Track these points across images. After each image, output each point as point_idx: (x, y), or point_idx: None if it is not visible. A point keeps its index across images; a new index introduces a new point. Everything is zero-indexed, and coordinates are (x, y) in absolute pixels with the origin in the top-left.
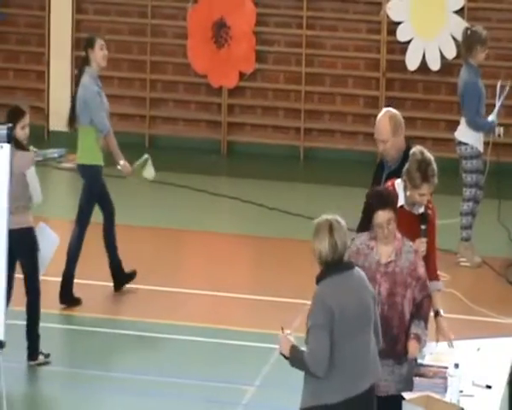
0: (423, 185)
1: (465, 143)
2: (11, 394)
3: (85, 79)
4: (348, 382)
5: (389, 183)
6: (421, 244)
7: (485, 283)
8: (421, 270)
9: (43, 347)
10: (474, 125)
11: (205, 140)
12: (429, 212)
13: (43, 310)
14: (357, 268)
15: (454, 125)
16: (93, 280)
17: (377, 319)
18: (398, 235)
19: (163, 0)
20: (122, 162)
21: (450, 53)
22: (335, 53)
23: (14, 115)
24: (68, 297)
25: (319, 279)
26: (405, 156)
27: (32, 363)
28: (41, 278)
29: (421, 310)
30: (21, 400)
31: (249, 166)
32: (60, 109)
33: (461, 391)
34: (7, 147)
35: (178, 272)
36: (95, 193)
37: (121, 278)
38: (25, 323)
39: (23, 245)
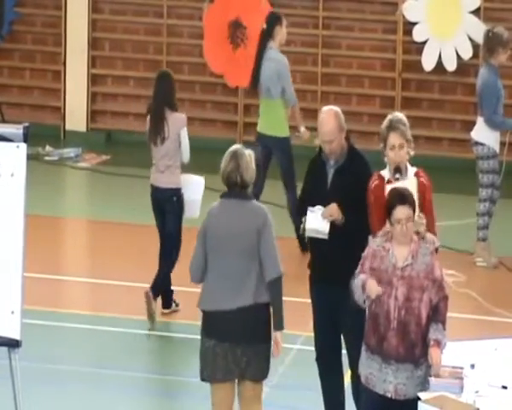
0: (390, 134)
1: (481, 144)
2: (26, 394)
3: (272, 53)
4: (217, 295)
5: (375, 175)
6: (418, 219)
7: (502, 283)
8: (438, 272)
9: None
10: (492, 124)
11: (221, 140)
12: (422, 180)
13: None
14: (254, 202)
15: (470, 125)
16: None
17: (265, 252)
18: (415, 237)
19: (179, 0)
20: (303, 129)
21: (467, 53)
22: (351, 53)
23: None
24: None
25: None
26: (350, 149)
27: (166, 311)
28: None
29: (438, 312)
30: (36, 399)
31: None
32: (76, 109)
33: (476, 392)
34: (23, 146)
35: None
36: (291, 159)
37: None
38: (41, 322)
39: (169, 204)
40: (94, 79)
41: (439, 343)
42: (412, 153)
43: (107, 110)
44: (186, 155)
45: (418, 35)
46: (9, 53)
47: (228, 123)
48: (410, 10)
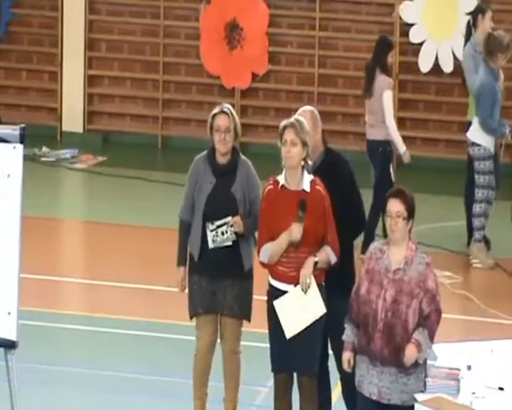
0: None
1: (477, 145)
2: (23, 395)
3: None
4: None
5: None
6: (296, 229)
7: (498, 284)
8: (432, 284)
9: None
10: (486, 127)
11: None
12: (318, 188)
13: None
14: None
15: (467, 126)
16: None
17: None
18: (413, 245)
19: (176, 1)
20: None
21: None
22: (348, 54)
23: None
24: None
25: None
26: (327, 150)
27: None
28: None
29: (427, 321)
30: (32, 401)
31: (263, 167)
32: (73, 110)
33: (473, 393)
34: (20, 147)
35: None
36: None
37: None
38: (35, 323)
39: (376, 155)
40: (90, 80)
41: (418, 344)
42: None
43: (103, 111)
44: (386, 116)
45: (415, 36)
46: (6, 54)
47: None
48: (406, 12)
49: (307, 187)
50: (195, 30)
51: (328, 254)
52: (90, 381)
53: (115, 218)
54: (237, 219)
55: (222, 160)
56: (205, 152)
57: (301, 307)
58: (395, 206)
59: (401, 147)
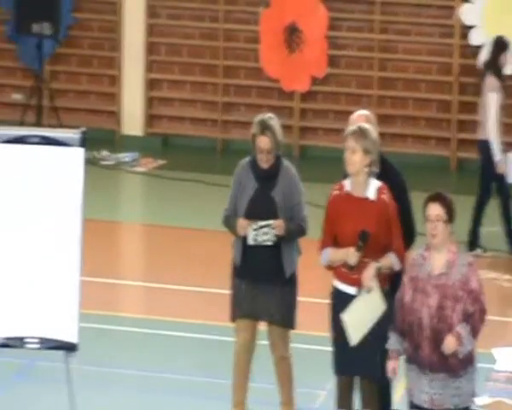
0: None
1: None
2: (82, 397)
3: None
4: None
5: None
6: (353, 256)
7: None
8: (475, 284)
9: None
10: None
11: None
12: (383, 197)
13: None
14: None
15: None
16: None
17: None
18: (454, 248)
19: (235, 5)
20: None
21: None
22: (408, 57)
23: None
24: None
25: None
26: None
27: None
28: None
29: (471, 318)
30: (92, 403)
31: (322, 170)
32: (133, 113)
33: None
34: (80, 151)
35: None
36: None
37: None
38: (96, 326)
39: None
40: (150, 84)
41: (459, 336)
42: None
43: (163, 115)
44: (487, 118)
45: (475, 39)
46: (66, 58)
47: (284, 127)
48: (466, 14)
49: (372, 194)
50: (255, 33)
51: (391, 261)
52: (148, 383)
53: (175, 221)
54: (280, 222)
55: (264, 165)
56: (248, 157)
57: (364, 312)
58: (434, 209)
59: (497, 154)
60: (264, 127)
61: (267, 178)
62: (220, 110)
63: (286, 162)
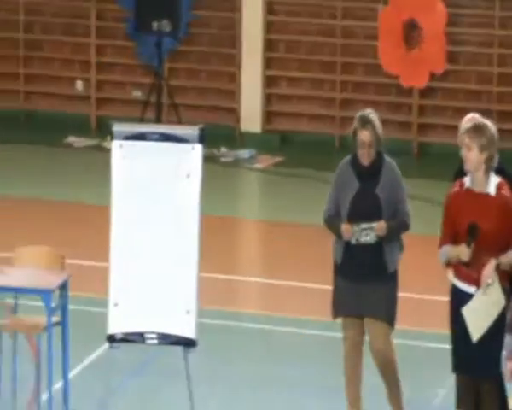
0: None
1: None
2: (201, 393)
3: None
4: None
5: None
6: (465, 252)
7: None
8: None
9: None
10: None
11: (395, 141)
12: (503, 193)
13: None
14: None
15: None
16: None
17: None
18: None
19: (354, 1)
20: None
21: None
22: None
23: None
24: None
25: None
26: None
27: None
28: None
29: None
30: (210, 399)
31: (441, 167)
32: (251, 110)
33: None
34: (199, 148)
35: None
36: None
37: None
38: (214, 322)
39: None
40: (269, 81)
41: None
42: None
43: (281, 111)
44: None
45: None
46: (186, 55)
47: (402, 124)
48: None
49: (492, 190)
50: (373, 30)
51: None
52: (264, 380)
53: (292, 218)
54: (382, 224)
55: (366, 162)
56: (349, 156)
57: (485, 309)
58: None
59: None
60: (365, 121)
61: (369, 175)
62: (338, 107)
63: (387, 158)
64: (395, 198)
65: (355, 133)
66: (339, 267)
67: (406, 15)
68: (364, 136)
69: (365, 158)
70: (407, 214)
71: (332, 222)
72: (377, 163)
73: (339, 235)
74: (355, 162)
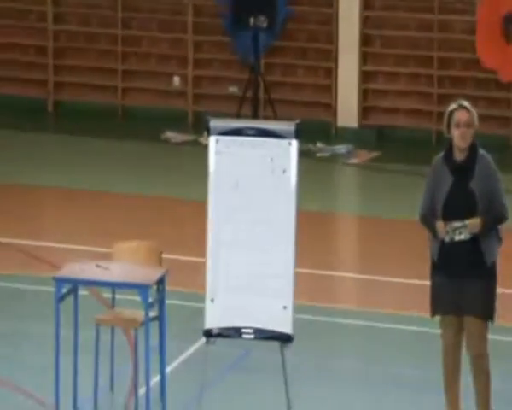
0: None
1: None
2: (297, 389)
3: None
4: None
5: None
6: None
7: None
8: None
9: None
10: None
11: (494, 136)
12: None
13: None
14: None
15: None
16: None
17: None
18: None
19: None
20: None
21: None
22: None
23: None
24: None
25: None
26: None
27: None
28: None
29: None
30: (307, 395)
31: None
32: (348, 105)
33: None
34: (295, 143)
35: None
36: None
37: None
38: (310, 317)
39: None
40: (365, 76)
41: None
42: None
43: (378, 106)
44: None
45: None
46: (282, 50)
47: (501, 119)
48: None
49: None
50: (471, 24)
51: None
52: (362, 376)
53: (389, 213)
54: (475, 221)
55: (460, 156)
56: (442, 152)
57: None
58: None
59: None
60: (462, 104)
61: (463, 169)
62: (435, 102)
63: (482, 151)
64: (490, 191)
65: (450, 116)
66: (436, 264)
67: (505, 9)
68: (461, 114)
69: (461, 140)
70: (504, 206)
71: (427, 220)
72: (471, 157)
73: (434, 232)
74: (448, 157)
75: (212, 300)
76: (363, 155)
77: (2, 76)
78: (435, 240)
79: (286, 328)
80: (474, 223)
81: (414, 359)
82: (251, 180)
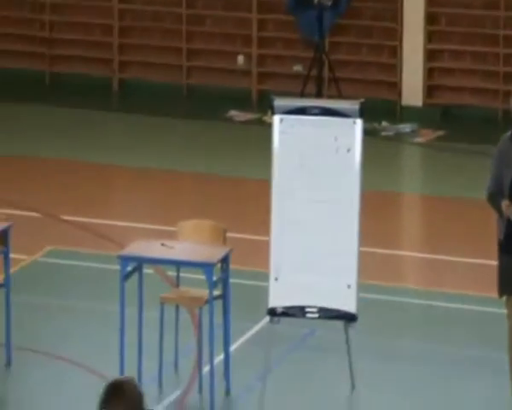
0: None
1: None
2: (362, 368)
3: None
4: None
5: None
6: None
7: None
8: None
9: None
10: None
11: None
12: None
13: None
14: None
15: None
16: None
17: None
18: None
19: None
20: None
21: None
22: None
23: None
24: None
25: None
26: None
27: None
28: None
29: None
30: (372, 374)
31: None
32: (412, 84)
33: None
34: (359, 122)
35: None
36: None
37: None
38: (374, 296)
39: None
40: (430, 55)
41: None
42: None
43: (443, 85)
44: None
45: None
46: (347, 29)
47: None
48: None
49: None
50: None
51: None
52: (425, 356)
53: (454, 192)
54: None
55: None
56: (510, 131)
57: None
58: None
59: None
60: None
61: None
62: (501, 81)
63: None
64: None
65: None
66: (502, 244)
67: None
68: None
69: None
70: None
71: (493, 199)
72: None
73: (500, 212)
74: None
75: (276, 279)
76: (428, 134)
77: (69, 55)
78: (501, 219)
79: (350, 307)
80: None
81: (478, 339)
82: (315, 159)
